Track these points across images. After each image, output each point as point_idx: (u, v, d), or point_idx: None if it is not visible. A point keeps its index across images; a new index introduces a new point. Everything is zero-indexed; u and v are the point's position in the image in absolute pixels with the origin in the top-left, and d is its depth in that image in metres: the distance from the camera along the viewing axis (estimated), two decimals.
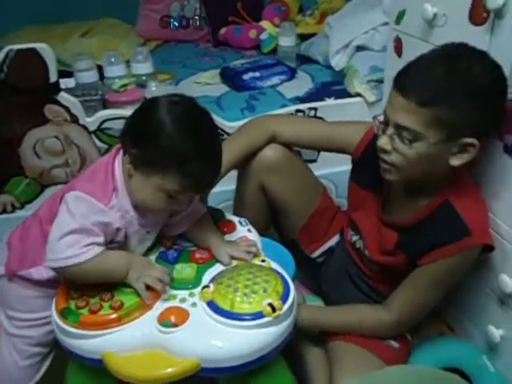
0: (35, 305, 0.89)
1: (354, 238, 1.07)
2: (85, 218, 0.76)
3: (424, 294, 0.92)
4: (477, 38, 0.90)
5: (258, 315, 0.74)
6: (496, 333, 0.96)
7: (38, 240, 0.86)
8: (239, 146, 1.04)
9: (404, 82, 0.82)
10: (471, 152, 0.82)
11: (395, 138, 0.83)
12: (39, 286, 0.87)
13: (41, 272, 0.85)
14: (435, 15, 1.01)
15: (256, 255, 0.87)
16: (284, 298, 0.77)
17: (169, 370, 0.71)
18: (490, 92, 0.80)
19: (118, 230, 0.81)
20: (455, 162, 0.83)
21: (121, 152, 0.82)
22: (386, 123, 0.86)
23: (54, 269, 0.79)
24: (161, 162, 0.76)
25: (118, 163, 0.81)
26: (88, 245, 0.76)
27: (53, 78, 1.18)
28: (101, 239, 0.78)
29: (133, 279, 0.78)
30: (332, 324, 1.00)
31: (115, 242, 0.83)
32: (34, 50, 1.15)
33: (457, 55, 0.82)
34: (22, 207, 1.33)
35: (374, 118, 0.90)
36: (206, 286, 0.79)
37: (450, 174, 0.88)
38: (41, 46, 1.15)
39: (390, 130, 0.84)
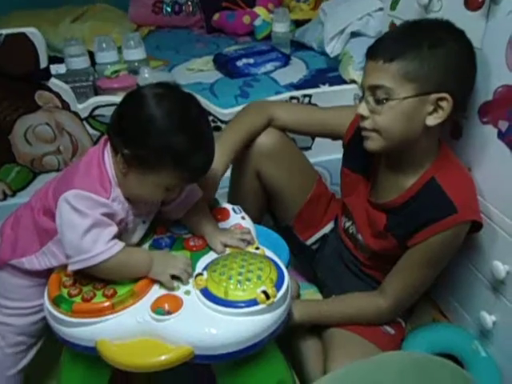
0: (26, 294, 0.88)
1: (347, 223, 1.08)
2: (94, 211, 0.75)
3: (417, 275, 0.93)
4: (472, 23, 0.89)
5: (252, 302, 0.74)
6: (488, 319, 0.97)
7: (29, 228, 0.85)
8: (241, 132, 1.03)
9: (372, 48, 0.87)
10: (445, 109, 0.83)
11: (370, 101, 0.86)
12: (31, 275, 0.87)
13: (33, 262, 0.84)
14: (430, 0, 1.00)
15: (250, 243, 0.87)
16: (278, 286, 0.77)
17: (163, 357, 0.71)
18: (455, 52, 0.83)
19: (121, 221, 0.80)
20: (431, 121, 0.85)
21: (109, 144, 0.80)
22: (362, 95, 0.89)
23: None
24: (156, 160, 0.75)
25: (108, 155, 0.80)
26: (111, 239, 0.76)
27: (43, 63, 1.16)
28: (115, 229, 0.77)
29: (158, 273, 0.78)
30: (330, 318, 1.00)
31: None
32: (23, 35, 1.12)
33: (421, 21, 0.89)
34: (13, 195, 1.31)
35: (355, 96, 0.91)
36: (200, 274, 0.79)
37: (434, 150, 0.90)
38: (30, 31, 1.13)
39: (366, 95, 0.87)
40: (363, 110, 0.87)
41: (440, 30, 0.85)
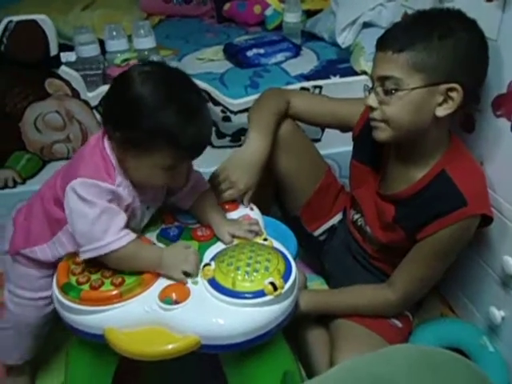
0: (37, 284, 0.89)
1: (356, 216, 1.08)
2: (101, 199, 0.74)
3: (426, 268, 0.92)
4: (488, 14, 0.88)
5: (260, 293, 0.74)
6: (497, 314, 0.96)
7: (40, 218, 0.85)
8: (271, 115, 1.02)
9: (381, 39, 0.86)
10: (455, 99, 0.82)
11: (379, 92, 0.85)
12: (41, 266, 0.87)
13: (45, 252, 0.85)
14: None
15: (258, 234, 0.87)
16: (286, 277, 0.76)
17: (169, 346, 0.71)
18: (465, 42, 0.82)
19: (127, 206, 0.80)
20: (441, 112, 0.84)
21: None
22: (372, 86, 0.88)
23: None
24: (148, 141, 0.74)
25: (108, 142, 0.79)
26: (122, 229, 0.75)
27: (53, 51, 1.16)
28: (125, 217, 0.77)
29: (169, 269, 0.77)
30: (337, 308, 1.00)
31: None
32: (34, 22, 1.12)
33: (431, 10, 0.88)
34: (23, 182, 1.32)
35: (365, 87, 0.91)
36: (208, 264, 0.79)
37: (445, 142, 0.89)
38: (41, 18, 1.12)
39: (375, 86, 0.86)
40: (372, 101, 0.87)
41: (451, 20, 0.84)
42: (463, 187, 0.86)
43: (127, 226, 0.79)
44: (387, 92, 0.84)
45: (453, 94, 0.82)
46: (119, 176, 0.78)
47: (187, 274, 0.77)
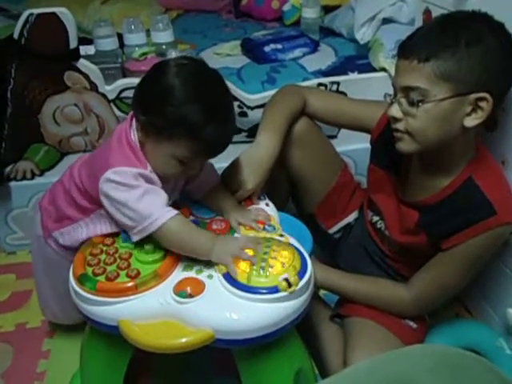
0: (64, 269, 0.89)
1: (375, 218, 1.06)
2: (139, 181, 0.77)
3: (448, 276, 0.90)
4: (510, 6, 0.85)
5: (274, 289, 0.73)
6: None
7: (65, 206, 0.88)
8: (285, 115, 1.01)
9: (404, 45, 0.82)
10: (485, 109, 0.79)
11: (403, 103, 0.81)
12: (72, 251, 0.88)
13: (77, 230, 0.87)
14: None
15: (264, 223, 0.87)
16: (301, 274, 0.76)
17: (183, 339, 0.71)
18: (494, 48, 0.78)
19: None
20: (470, 122, 0.80)
21: (134, 119, 0.81)
22: (394, 94, 0.84)
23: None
24: (170, 129, 0.76)
25: (133, 132, 0.81)
26: (166, 205, 0.78)
27: (73, 43, 1.17)
28: (165, 194, 0.79)
29: (219, 255, 0.77)
30: (348, 290, 0.98)
31: None
32: (54, 15, 1.13)
33: (456, 14, 0.84)
34: (41, 174, 1.34)
35: (385, 95, 0.88)
36: None
37: (471, 149, 0.86)
38: (61, 11, 1.13)
39: (398, 96, 0.82)
40: (396, 111, 0.82)
41: (477, 25, 0.79)
42: (491, 195, 0.83)
43: None
44: (412, 104, 0.80)
45: (482, 104, 0.78)
46: (149, 165, 0.79)
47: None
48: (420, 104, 0.79)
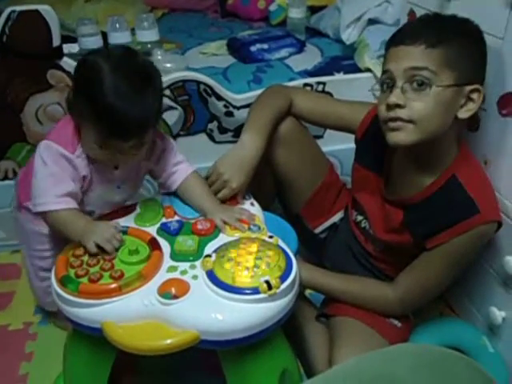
0: (41, 240, 0.97)
1: (359, 217, 1.06)
2: (55, 164, 0.82)
3: (432, 275, 0.90)
4: (495, 11, 0.87)
5: (256, 290, 0.73)
6: (498, 314, 0.95)
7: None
8: (270, 115, 1.01)
9: (405, 33, 0.83)
10: (476, 101, 0.81)
11: (407, 89, 0.80)
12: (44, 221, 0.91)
13: None
14: None
15: (248, 222, 0.87)
16: (284, 276, 0.75)
17: (168, 341, 0.71)
18: (481, 44, 0.82)
19: (84, 177, 0.86)
20: (463, 114, 0.82)
21: None
22: (392, 83, 0.82)
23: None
24: (83, 112, 0.79)
25: None
26: (63, 195, 0.82)
27: (56, 42, 1.15)
28: (71, 187, 0.83)
29: (85, 240, 0.80)
30: (333, 289, 0.98)
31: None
32: (37, 12, 1.11)
33: (445, 14, 0.86)
34: None
35: (372, 89, 0.88)
36: (208, 256, 0.78)
37: (455, 148, 0.87)
38: (44, 8, 1.12)
39: (400, 83, 0.80)
40: (398, 98, 0.79)
41: (465, 23, 0.83)
42: (475, 194, 0.84)
43: (95, 202, 0.90)
44: (417, 88, 0.79)
45: (474, 96, 0.80)
46: (80, 148, 0.84)
47: (101, 249, 0.79)
48: (425, 88, 0.79)
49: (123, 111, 0.77)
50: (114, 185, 0.91)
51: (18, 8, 1.12)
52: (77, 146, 0.84)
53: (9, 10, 1.12)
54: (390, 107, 0.81)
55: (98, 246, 0.79)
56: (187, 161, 0.96)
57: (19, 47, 1.14)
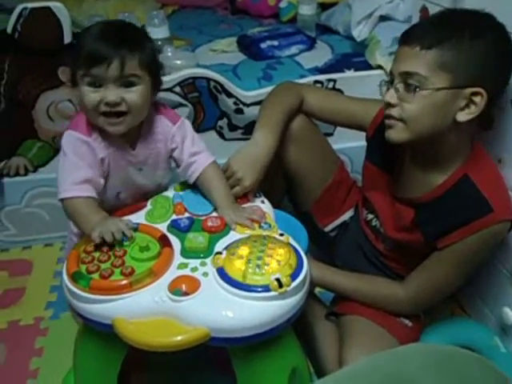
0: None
1: (370, 216, 1.06)
2: (74, 152, 0.85)
3: (444, 275, 0.90)
4: (510, 7, 0.85)
5: (266, 288, 0.73)
6: (510, 314, 0.95)
7: None
8: (281, 113, 1.01)
9: (408, 33, 0.83)
10: (478, 104, 0.79)
11: (400, 89, 0.82)
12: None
13: None
14: None
15: (259, 222, 0.87)
16: (295, 274, 0.75)
17: (179, 337, 0.71)
18: (494, 46, 0.79)
19: (102, 160, 0.88)
20: (462, 117, 0.80)
21: None
22: (391, 81, 0.84)
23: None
24: (71, 56, 0.84)
25: None
26: (80, 182, 0.84)
27: (67, 38, 1.16)
28: (88, 173, 0.85)
29: (93, 230, 0.80)
30: (343, 288, 0.98)
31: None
32: (48, 9, 1.12)
33: (461, 10, 0.84)
34: (35, 170, 1.32)
35: (381, 83, 0.88)
36: (219, 253, 0.78)
37: (466, 147, 0.86)
38: (55, 5, 1.12)
39: (395, 82, 0.83)
40: (391, 97, 0.83)
41: (481, 21, 0.81)
42: (488, 193, 0.83)
43: (115, 189, 0.93)
44: (409, 89, 0.80)
45: (476, 99, 0.79)
46: (95, 132, 0.87)
47: (104, 241, 0.80)
48: (417, 90, 0.80)
49: (97, 34, 0.83)
50: (134, 167, 0.93)
51: (30, 5, 1.13)
52: (92, 131, 0.87)
53: (20, 7, 1.13)
54: (385, 105, 0.85)
55: (104, 241, 0.79)
56: (207, 150, 0.96)
57: (31, 44, 1.15)
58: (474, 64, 0.78)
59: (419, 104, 0.80)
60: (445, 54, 0.78)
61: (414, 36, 0.81)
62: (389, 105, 0.84)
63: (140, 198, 0.96)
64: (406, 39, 0.82)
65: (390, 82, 0.85)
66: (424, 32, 0.81)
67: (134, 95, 0.84)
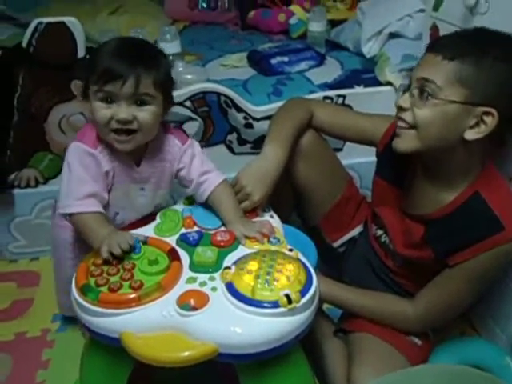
0: (74, 246, 0.98)
1: (379, 232, 1.05)
2: (79, 165, 0.85)
3: (454, 293, 0.89)
4: None
5: (275, 304, 0.72)
6: None
7: None
8: (291, 128, 1.01)
9: (435, 42, 0.84)
10: (488, 124, 0.78)
11: (415, 94, 0.82)
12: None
13: None
14: (477, 2, 0.97)
15: (268, 235, 0.87)
16: (304, 290, 0.75)
17: (186, 353, 0.70)
18: None
19: (107, 173, 0.88)
20: (470, 135, 0.80)
21: None
22: (408, 86, 0.85)
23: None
24: (85, 80, 0.85)
25: None
26: (85, 197, 0.84)
27: (81, 53, 1.18)
28: (94, 187, 0.85)
29: (102, 244, 0.80)
30: (352, 304, 0.97)
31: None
32: (63, 24, 1.14)
33: (493, 31, 0.83)
34: (45, 182, 1.33)
35: (400, 89, 0.89)
36: (228, 268, 0.78)
37: (476, 164, 0.86)
38: (70, 20, 1.14)
39: (412, 87, 0.83)
40: (404, 101, 0.83)
41: (510, 45, 0.80)
42: (499, 211, 0.82)
43: (116, 206, 0.92)
44: (423, 96, 0.81)
45: (487, 119, 0.78)
46: (102, 145, 0.88)
47: (112, 254, 0.79)
48: (429, 98, 0.80)
49: (114, 51, 0.84)
50: (137, 185, 0.93)
51: (45, 20, 1.15)
52: (98, 143, 0.87)
53: (36, 21, 1.15)
54: (398, 109, 0.85)
55: (112, 254, 0.79)
56: (217, 170, 0.96)
57: (45, 58, 1.17)
58: (491, 85, 0.78)
59: (430, 111, 0.80)
60: (465, 68, 0.78)
61: (440, 45, 0.81)
62: (401, 109, 0.84)
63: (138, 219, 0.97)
64: (432, 47, 0.82)
65: (408, 87, 0.85)
66: (450, 43, 0.81)
67: (145, 114, 0.84)
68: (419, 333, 0.96)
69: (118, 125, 0.84)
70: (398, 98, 0.86)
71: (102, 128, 0.85)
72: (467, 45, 0.79)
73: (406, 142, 0.85)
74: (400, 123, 0.85)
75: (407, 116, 0.84)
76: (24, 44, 1.17)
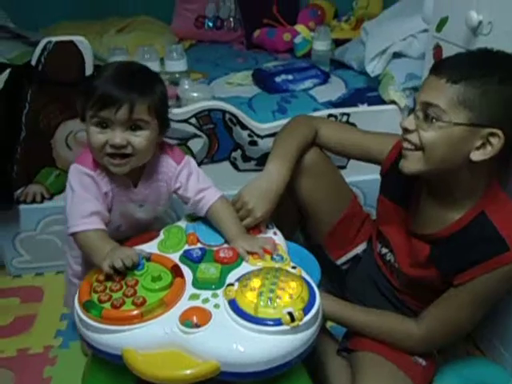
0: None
1: (384, 250, 1.05)
2: (80, 185, 0.87)
3: (459, 313, 0.88)
4: None
5: (278, 322, 0.72)
6: None
7: None
8: (295, 145, 1.02)
9: (439, 64, 0.84)
10: (494, 146, 0.78)
11: (419, 116, 0.82)
12: None
13: None
14: (480, 23, 0.98)
15: (271, 252, 0.87)
16: (307, 308, 0.74)
17: (188, 371, 0.70)
18: None
19: (106, 194, 0.90)
20: (476, 156, 0.80)
21: None
22: (413, 108, 0.85)
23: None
24: (82, 98, 0.86)
25: None
26: (87, 216, 0.85)
27: (89, 70, 1.19)
28: (96, 206, 0.86)
29: (104, 259, 0.80)
30: (356, 323, 0.97)
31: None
32: (71, 43, 1.16)
33: (498, 52, 0.83)
34: (51, 198, 1.34)
35: (406, 109, 0.89)
36: (231, 285, 0.78)
37: (482, 184, 0.85)
38: (78, 39, 1.16)
39: (416, 109, 0.83)
40: (409, 123, 0.83)
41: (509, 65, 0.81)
42: (504, 231, 0.82)
43: (116, 222, 0.94)
44: (427, 118, 0.81)
45: (493, 140, 0.78)
46: (100, 167, 0.89)
47: (117, 271, 0.80)
48: (434, 121, 0.80)
49: (109, 77, 0.85)
50: (135, 204, 0.95)
51: (54, 39, 1.17)
52: (97, 166, 0.89)
53: (45, 40, 1.17)
54: (403, 131, 0.85)
55: (115, 270, 0.80)
56: (214, 186, 0.97)
57: (54, 76, 1.19)
58: (497, 106, 0.77)
59: (436, 133, 0.80)
60: (469, 91, 0.77)
61: (444, 68, 0.81)
62: (406, 130, 0.84)
63: (140, 230, 0.98)
64: (436, 69, 0.82)
65: (413, 109, 0.85)
66: (454, 66, 0.81)
67: (140, 139, 0.86)
68: (424, 353, 0.95)
69: (113, 149, 0.85)
70: (404, 119, 0.86)
71: (96, 152, 0.87)
72: (471, 67, 0.79)
73: (413, 164, 0.85)
74: (406, 144, 0.85)
75: (413, 137, 0.83)
76: (33, 62, 1.18)
